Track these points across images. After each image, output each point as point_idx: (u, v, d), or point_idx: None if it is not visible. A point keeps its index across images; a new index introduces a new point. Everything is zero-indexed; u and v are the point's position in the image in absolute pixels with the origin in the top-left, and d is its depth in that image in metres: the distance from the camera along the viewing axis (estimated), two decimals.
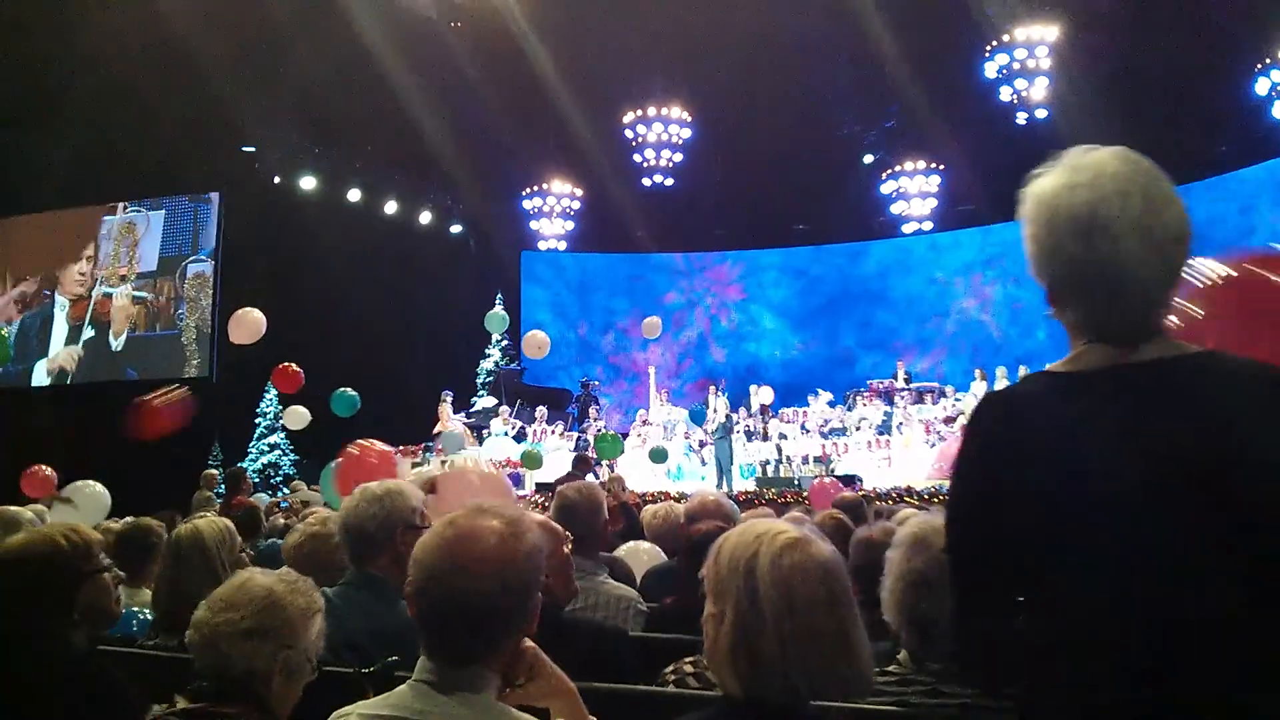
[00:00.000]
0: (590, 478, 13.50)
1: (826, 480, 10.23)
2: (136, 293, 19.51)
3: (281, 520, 8.06)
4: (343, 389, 12.82)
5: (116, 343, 19.42)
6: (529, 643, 1.73)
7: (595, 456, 15.99)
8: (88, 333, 19.57)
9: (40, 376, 19.47)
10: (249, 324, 11.06)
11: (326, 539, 3.29)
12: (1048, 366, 1.55)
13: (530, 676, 1.72)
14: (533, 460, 14.16)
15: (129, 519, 6.16)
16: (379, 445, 6.74)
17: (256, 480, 15.29)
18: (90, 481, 9.00)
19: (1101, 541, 1.37)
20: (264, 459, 18.73)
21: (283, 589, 2.06)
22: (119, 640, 2.98)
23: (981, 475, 1.49)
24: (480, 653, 1.64)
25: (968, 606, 1.52)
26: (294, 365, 12.03)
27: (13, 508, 4.61)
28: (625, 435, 17.52)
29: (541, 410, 17.63)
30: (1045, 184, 1.52)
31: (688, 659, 2.48)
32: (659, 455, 14.86)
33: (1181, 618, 1.32)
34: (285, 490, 14.34)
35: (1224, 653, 1.31)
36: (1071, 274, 1.47)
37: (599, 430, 18.03)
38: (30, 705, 2.14)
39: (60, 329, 19.57)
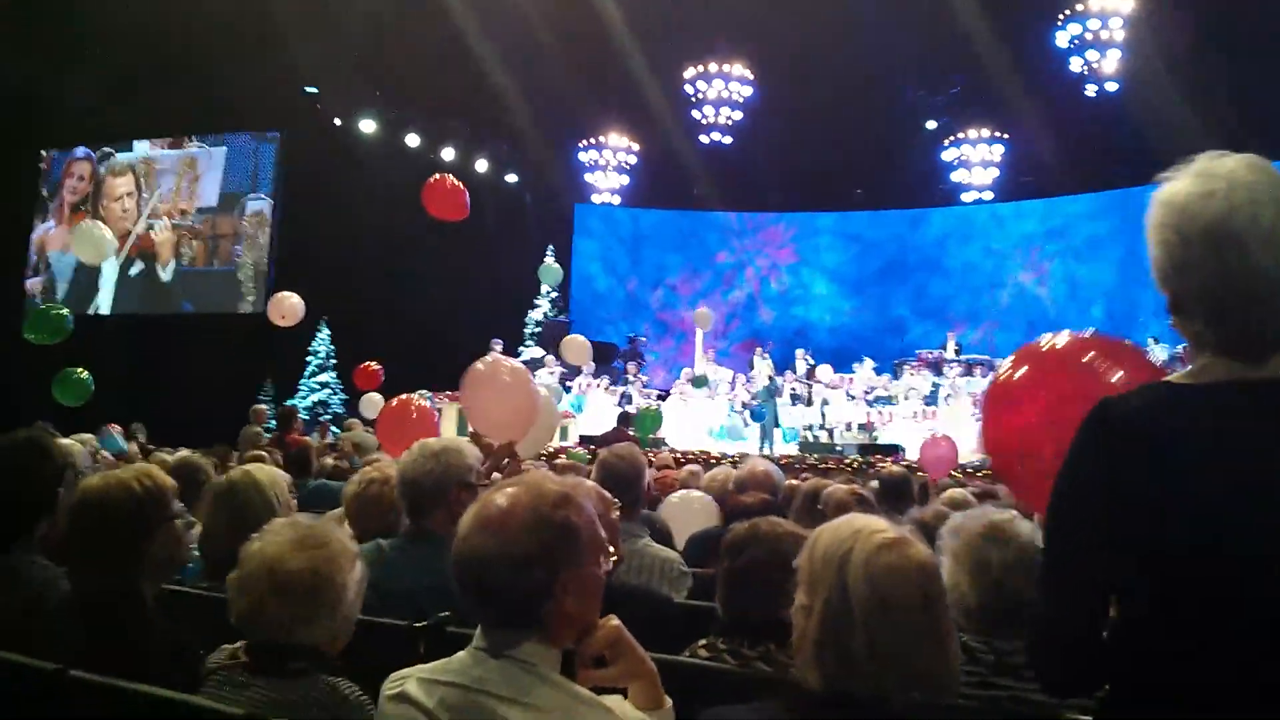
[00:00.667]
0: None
1: (939, 438, 10.11)
2: (176, 222, 19.80)
3: (330, 460, 8.17)
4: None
5: (165, 273, 19.73)
6: (614, 620, 1.72)
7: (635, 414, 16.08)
8: (137, 266, 19.87)
9: (99, 307, 19.85)
10: (288, 308, 11.12)
11: (386, 484, 3.30)
12: (1168, 377, 1.52)
13: (613, 656, 1.70)
14: (653, 421, 14.01)
15: (181, 453, 6.31)
16: (418, 399, 6.86)
17: (306, 419, 15.51)
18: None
19: (1202, 556, 1.35)
20: (314, 397, 18.99)
21: (324, 563, 2.02)
22: (175, 582, 3.03)
23: (1090, 480, 1.46)
24: (518, 619, 1.63)
25: (1058, 605, 1.50)
26: (374, 364, 12.01)
27: (66, 441, 4.68)
28: (667, 394, 17.57)
29: (589, 364, 17.65)
30: (1176, 191, 1.47)
31: (700, 642, 2.48)
32: (701, 381, 14.95)
33: None
34: (336, 431, 14.52)
35: None
36: (1200, 285, 1.44)
37: (642, 385, 18.08)
38: (100, 649, 2.14)
39: (109, 264, 19.90)
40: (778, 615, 1.85)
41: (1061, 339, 2.42)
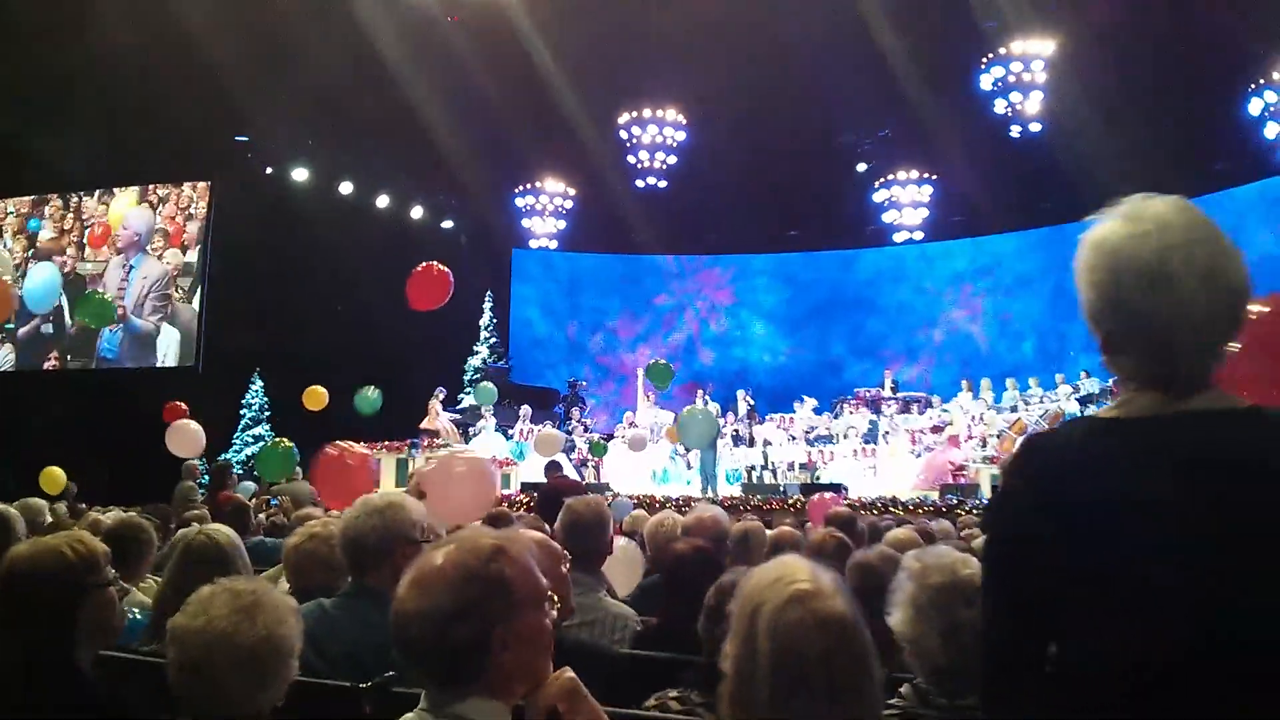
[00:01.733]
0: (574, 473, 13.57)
1: (828, 496, 10.19)
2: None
3: (265, 518, 8.00)
4: (366, 390, 13.47)
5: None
6: (568, 672, 1.71)
7: (580, 458, 16.02)
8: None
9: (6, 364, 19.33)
10: (189, 437, 10.94)
11: (327, 540, 3.25)
12: (1094, 411, 1.55)
13: (570, 710, 1.69)
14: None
15: (113, 512, 6.14)
16: (357, 448, 6.76)
17: (240, 472, 15.20)
18: None
19: (1134, 590, 1.37)
20: (248, 450, 18.62)
21: (275, 626, 1.97)
22: (118, 648, 2.95)
23: (1019, 520, 1.49)
24: (456, 676, 1.62)
25: (997, 653, 1.51)
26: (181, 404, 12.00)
27: (31, 500, 4.56)
28: (610, 437, 17.54)
29: (525, 409, 17.58)
30: (1107, 232, 1.52)
31: (672, 692, 2.46)
32: (639, 444, 15.05)
33: (1218, 675, 1.32)
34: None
35: (1266, 710, 1.32)
36: (1132, 323, 1.48)
37: (585, 430, 18.04)
38: None
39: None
40: None
41: None
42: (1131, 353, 1.50)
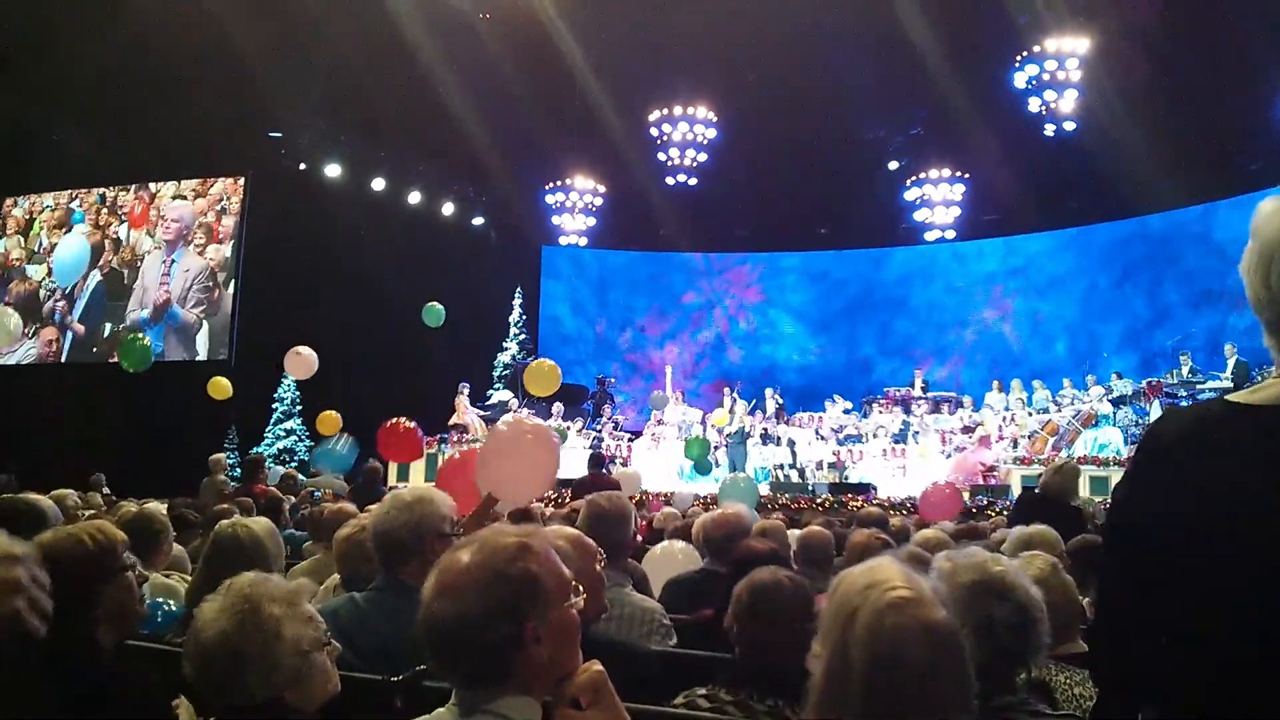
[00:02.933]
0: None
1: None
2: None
3: (302, 512, 8.04)
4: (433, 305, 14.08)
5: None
6: (597, 665, 1.71)
7: (609, 455, 16.02)
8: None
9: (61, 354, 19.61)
10: (302, 360, 11.38)
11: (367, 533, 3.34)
12: (1231, 395, 1.54)
13: (593, 702, 1.69)
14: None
15: (150, 504, 6.24)
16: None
17: (272, 465, 15.32)
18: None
19: (1230, 570, 1.37)
20: (280, 444, 18.79)
21: (277, 608, 2.02)
22: (145, 636, 2.99)
23: (1141, 489, 1.53)
24: (490, 676, 1.62)
25: (1112, 612, 1.57)
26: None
27: (37, 497, 4.64)
28: (639, 434, 17.54)
29: (558, 406, 17.63)
30: (1266, 212, 1.51)
31: (700, 690, 2.45)
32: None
33: None
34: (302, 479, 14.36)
35: None
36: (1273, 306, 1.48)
37: (615, 428, 18.05)
38: (59, 710, 2.14)
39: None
40: (798, 668, 1.82)
41: None
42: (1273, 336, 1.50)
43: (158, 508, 5.56)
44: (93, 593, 2.35)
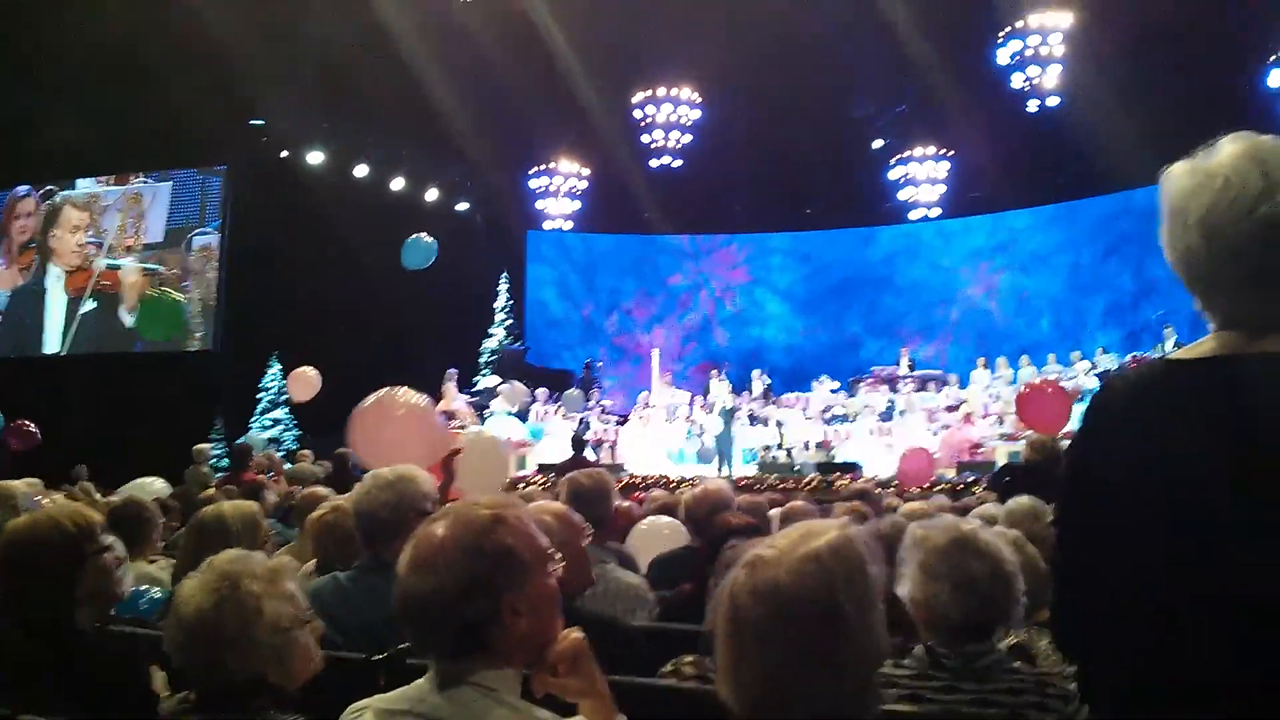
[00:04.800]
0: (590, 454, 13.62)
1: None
2: (147, 265, 19.44)
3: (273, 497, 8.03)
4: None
5: (130, 318, 19.33)
6: (577, 633, 1.72)
7: (597, 439, 16.05)
8: (88, 305, 19.53)
9: (50, 344, 19.49)
10: (306, 381, 11.22)
11: (349, 514, 3.30)
12: (1171, 354, 1.56)
13: (572, 670, 1.69)
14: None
15: (122, 491, 6.22)
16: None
17: (258, 455, 15.27)
18: None
19: (1181, 532, 1.38)
20: (266, 434, 18.74)
21: (257, 585, 2.00)
22: (130, 621, 3.00)
23: (1084, 455, 1.54)
24: (469, 649, 1.63)
25: (1067, 578, 1.58)
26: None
27: (9, 483, 4.65)
28: (628, 418, 17.58)
29: (541, 391, 17.64)
30: (1173, 175, 1.54)
31: (688, 657, 2.47)
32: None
33: (1258, 608, 1.32)
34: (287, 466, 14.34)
35: None
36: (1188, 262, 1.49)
37: (602, 411, 18.08)
38: (39, 684, 2.16)
39: (58, 300, 19.54)
40: None
41: None
42: (1196, 291, 1.51)
43: (135, 496, 5.46)
44: (71, 575, 2.37)
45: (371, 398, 4.95)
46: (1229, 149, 1.49)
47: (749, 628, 1.44)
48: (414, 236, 13.11)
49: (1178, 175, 1.51)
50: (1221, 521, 1.34)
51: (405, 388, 5.16)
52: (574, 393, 17.09)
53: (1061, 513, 1.63)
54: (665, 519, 5.17)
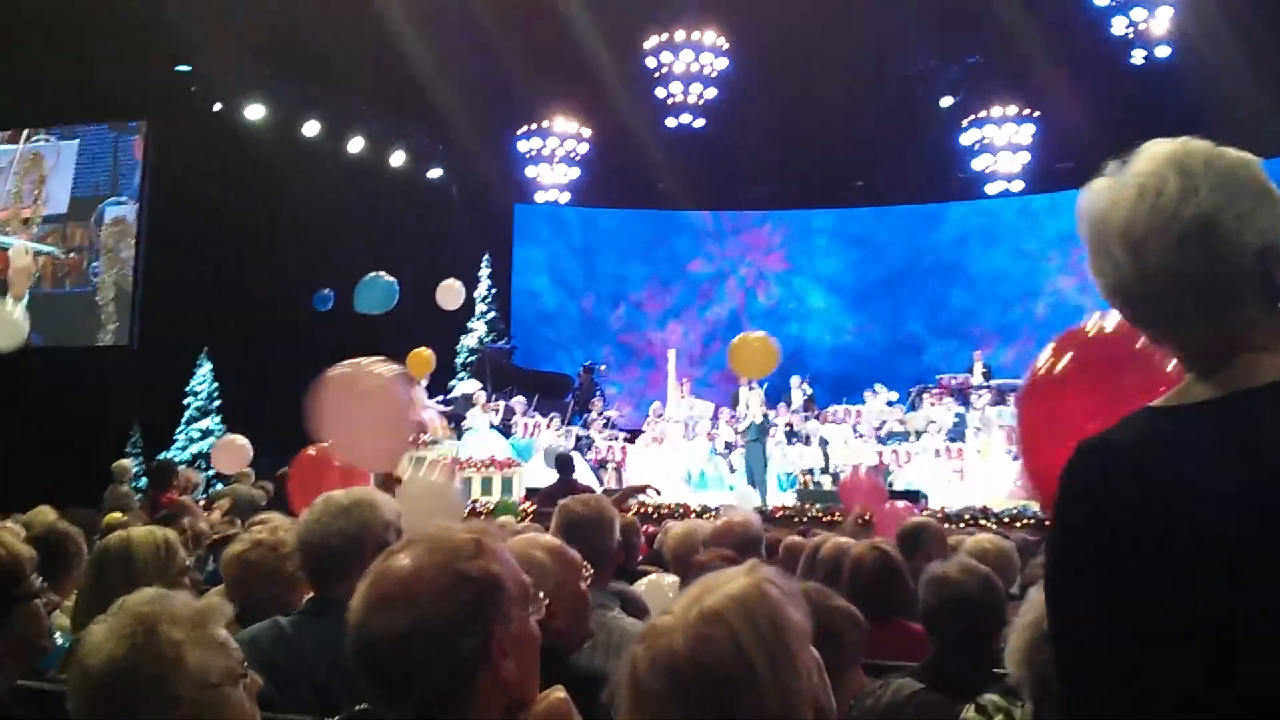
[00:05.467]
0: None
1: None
2: (41, 246, 19.45)
3: (205, 525, 8.06)
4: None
5: (16, 309, 19.34)
6: (560, 692, 1.73)
7: (599, 459, 16.00)
8: None
9: None
10: (235, 450, 11.23)
11: (275, 548, 3.28)
12: (1153, 403, 1.58)
13: None
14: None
15: (42, 518, 6.22)
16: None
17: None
18: None
19: (1244, 600, 1.36)
20: (194, 447, 18.79)
21: (178, 631, 1.97)
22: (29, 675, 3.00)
23: (1077, 542, 1.53)
24: (443, 700, 1.62)
25: (1082, 694, 1.52)
26: None
27: None
28: (638, 434, 17.55)
29: (519, 400, 17.56)
30: (1091, 197, 1.68)
31: None
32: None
33: None
34: (218, 485, 14.37)
35: None
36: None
37: (607, 425, 18.03)
38: None
39: None
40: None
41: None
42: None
43: (60, 522, 5.44)
44: None
45: (344, 365, 5.02)
46: (1147, 154, 1.61)
47: (651, 703, 1.47)
48: (370, 275, 13.60)
49: (1095, 192, 1.64)
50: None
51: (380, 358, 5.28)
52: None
53: (1070, 605, 1.56)
54: (669, 578, 5.19)
